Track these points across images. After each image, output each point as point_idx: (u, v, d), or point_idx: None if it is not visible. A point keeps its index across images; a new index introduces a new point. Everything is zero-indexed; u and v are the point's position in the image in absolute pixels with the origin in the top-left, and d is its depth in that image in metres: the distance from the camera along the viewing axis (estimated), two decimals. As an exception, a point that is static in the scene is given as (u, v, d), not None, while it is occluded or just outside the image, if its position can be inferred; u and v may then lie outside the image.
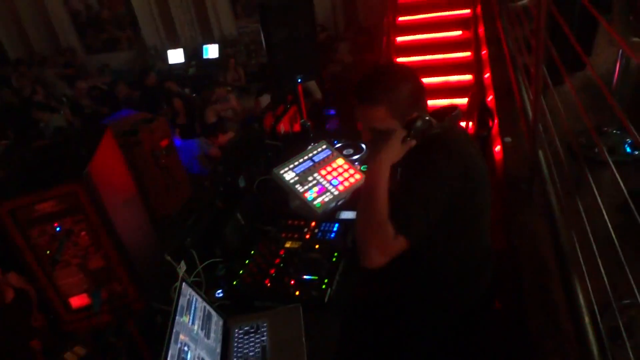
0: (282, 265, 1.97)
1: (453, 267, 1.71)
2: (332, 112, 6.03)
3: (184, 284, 1.62)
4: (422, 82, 1.60)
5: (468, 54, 6.13)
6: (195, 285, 1.70)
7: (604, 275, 1.32)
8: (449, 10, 6.74)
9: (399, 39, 6.83)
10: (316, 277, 1.86)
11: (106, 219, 1.43)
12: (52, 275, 1.49)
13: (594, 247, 1.39)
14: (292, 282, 1.86)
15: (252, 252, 2.08)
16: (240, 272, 1.97)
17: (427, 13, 6.87)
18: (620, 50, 2.02)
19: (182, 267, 1.81)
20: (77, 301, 1.55)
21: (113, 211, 1.46)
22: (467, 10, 6.48)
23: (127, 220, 1.56)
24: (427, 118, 1.53)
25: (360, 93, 1.56)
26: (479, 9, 5.42)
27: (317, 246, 2.04)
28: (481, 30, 5.00)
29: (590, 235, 1.42)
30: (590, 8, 1.40)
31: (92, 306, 1.53)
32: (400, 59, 6.67)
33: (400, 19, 7.01)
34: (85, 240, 1.46)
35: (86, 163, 1.40)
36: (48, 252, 1.44)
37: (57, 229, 1.43)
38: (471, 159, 1.55)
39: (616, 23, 1.94)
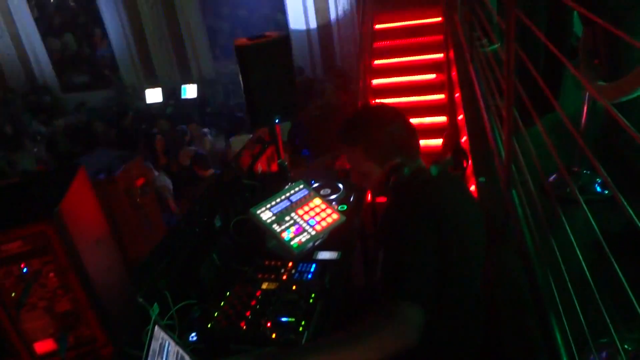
0: (258, 307, 1.93)
1: (441, 324, 1.65)
2: (306, 152, 6.09)
3: (156, 327, 1.56)
4: (409, 125, 1.58)
5: (442, 96, 6.30)
6: (168, 329, 1.65)
7: (580, 314, 1.33)
8: (423, 55, 6.96)
9: (375, 81, 6.99)
10: (293, 319, 1.82)
11: (76, 260, 1.39)
12: (16, 319, 1.42)
13: (569, 285, 1.40)
14: (269, 324, 1.82)
15: (228, 293, 2.03)
16: (215, 314, 1.92)
17: (402, 57, 7.08)
18: (587, 93, 2.09)
19: (155, 310, 1.76)
20: (43, 346, 1.48)
21: (84, 252, 1.42)
22: (441, 55, 6.70)
23: (98, 262, 1.52)
24: (406, 169, 1.51)
25: (341, 133, 1.58)
26: (451, 54, 5.60)
27: (294, 287, 2.01)
28: (454, 73, 5.15)
29: (565, 274, 1.43)
30: (557, 54, 1.46)
31: (59, 351, 1.47)
32: (376, 101, 6.81)
33: (376, 62, 7.20)
34: (54, 282, 1.41)
35: (57, 202, 1.36)
36: (13, 294, 1.39)
37: (24, 270, 1.38)
38: (451, 208, 1.49)
39: (582, 67, 2.02)
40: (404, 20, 7.50)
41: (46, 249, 1.35)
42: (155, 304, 1.79)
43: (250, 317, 1.88)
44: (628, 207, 0.98)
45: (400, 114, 1.60)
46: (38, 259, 1.37)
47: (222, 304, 1.97)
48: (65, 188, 1.43)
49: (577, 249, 1.33)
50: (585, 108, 2.14)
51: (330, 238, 2.35)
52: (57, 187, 1.44)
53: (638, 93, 1.68)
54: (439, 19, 7.12)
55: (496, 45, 3.63)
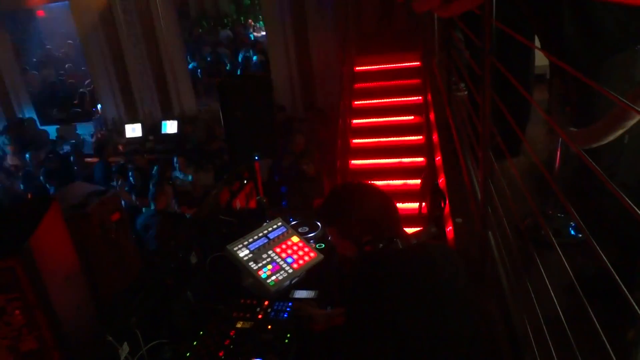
0: (232, 346, 1.88)
1: None
2: (284, 189, 6.09)
3: (124, 368, 1.51)
4: (385, 202, 1.60)
5: (420, 137, 6.42)
6: (137, 370, 1.59)
7: (555, 358, 1.32)
8: (402, 97, 7.12)
9: (355, 121, 7.10)
10: (267, 360, 1.78)
11: (44, 297, 1.35)
12: (-24, 359, 1.36)
13: (545, 329, 1.40)
14: (242, 365, 1.78)
15: (201, 332, 1.98)
16: (187, 354, 1.87)
17: (382, 99, 7.23)
18: (560, 139, 2.15)
19: (125, 349, 1.70)
20: (3, 388, 1.41)
21: (52, 289, 1.38)
22: (419, 97, 6.86)
23: (67, 299, 1.47)
24: (381, 243, 1.54)
25: (319, 212, 1.65)
26: (429, 97, 5.75)
27: (269, 327, 1.97)
28: (432, 116, 5.27)
29: (541, 317, 1.43)
30: (532, 101, 1.51)
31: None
32: (356, 140, 6.90)
33: (356, 103, 7.33)
34: (19, 319, 1.36)
35: (27, 237, 1.33)
36: (-25, 332, 1.33)
37: (-12, 307, 1.33)
38: (410, 287, 1.44)
39: (554, 114, 2.08)
40: (384, 64, 7.70)
41: (13, 285, 1.30)
42: (125, 343, 1.74)
43: (223, 357, 1.83)
44: (600, 252, 1.00)
45: (376, 192, 1.63)
46: (4, 296, 1.32)
47: (194, 343, 1.92)
48: (36, 223, 1.39)
49: (552, 292, 1.33)
50: (558, 153, 2.20)
51: (307, 276, 2.33)
52: (27, 221, 1.40)
53: (609, 139, 1.74)
54: (418, 63, 7.33)
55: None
